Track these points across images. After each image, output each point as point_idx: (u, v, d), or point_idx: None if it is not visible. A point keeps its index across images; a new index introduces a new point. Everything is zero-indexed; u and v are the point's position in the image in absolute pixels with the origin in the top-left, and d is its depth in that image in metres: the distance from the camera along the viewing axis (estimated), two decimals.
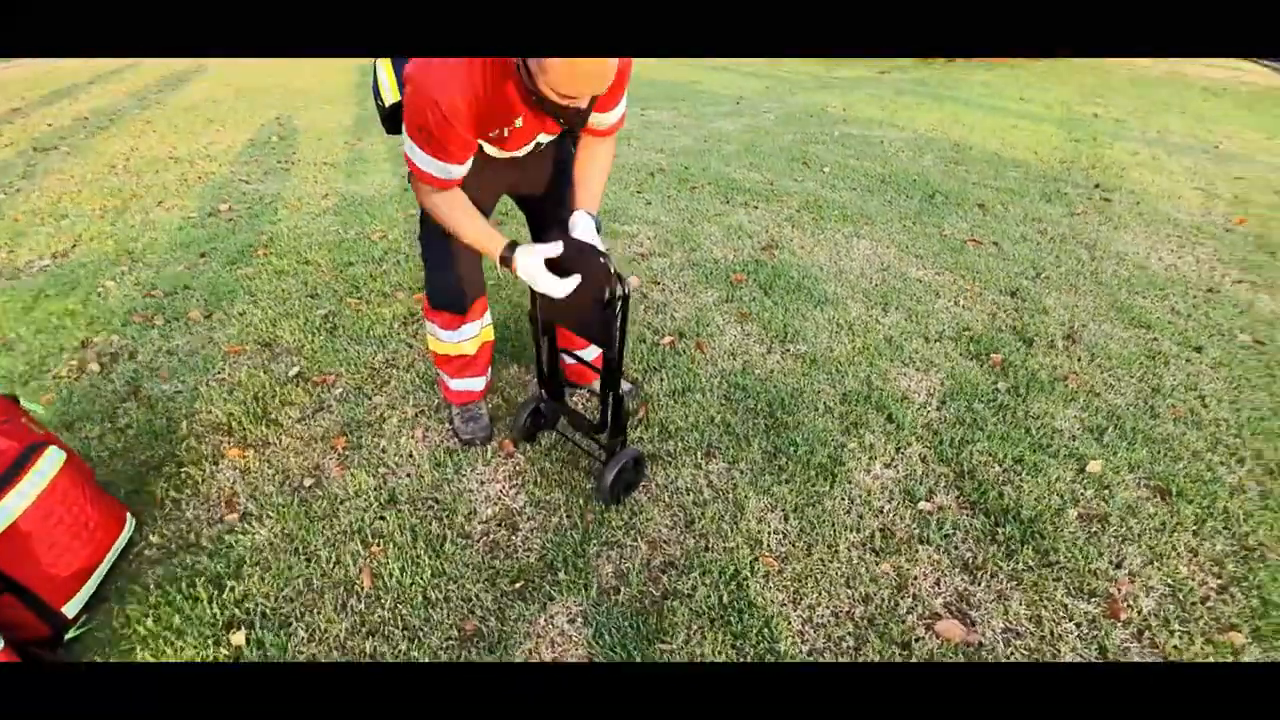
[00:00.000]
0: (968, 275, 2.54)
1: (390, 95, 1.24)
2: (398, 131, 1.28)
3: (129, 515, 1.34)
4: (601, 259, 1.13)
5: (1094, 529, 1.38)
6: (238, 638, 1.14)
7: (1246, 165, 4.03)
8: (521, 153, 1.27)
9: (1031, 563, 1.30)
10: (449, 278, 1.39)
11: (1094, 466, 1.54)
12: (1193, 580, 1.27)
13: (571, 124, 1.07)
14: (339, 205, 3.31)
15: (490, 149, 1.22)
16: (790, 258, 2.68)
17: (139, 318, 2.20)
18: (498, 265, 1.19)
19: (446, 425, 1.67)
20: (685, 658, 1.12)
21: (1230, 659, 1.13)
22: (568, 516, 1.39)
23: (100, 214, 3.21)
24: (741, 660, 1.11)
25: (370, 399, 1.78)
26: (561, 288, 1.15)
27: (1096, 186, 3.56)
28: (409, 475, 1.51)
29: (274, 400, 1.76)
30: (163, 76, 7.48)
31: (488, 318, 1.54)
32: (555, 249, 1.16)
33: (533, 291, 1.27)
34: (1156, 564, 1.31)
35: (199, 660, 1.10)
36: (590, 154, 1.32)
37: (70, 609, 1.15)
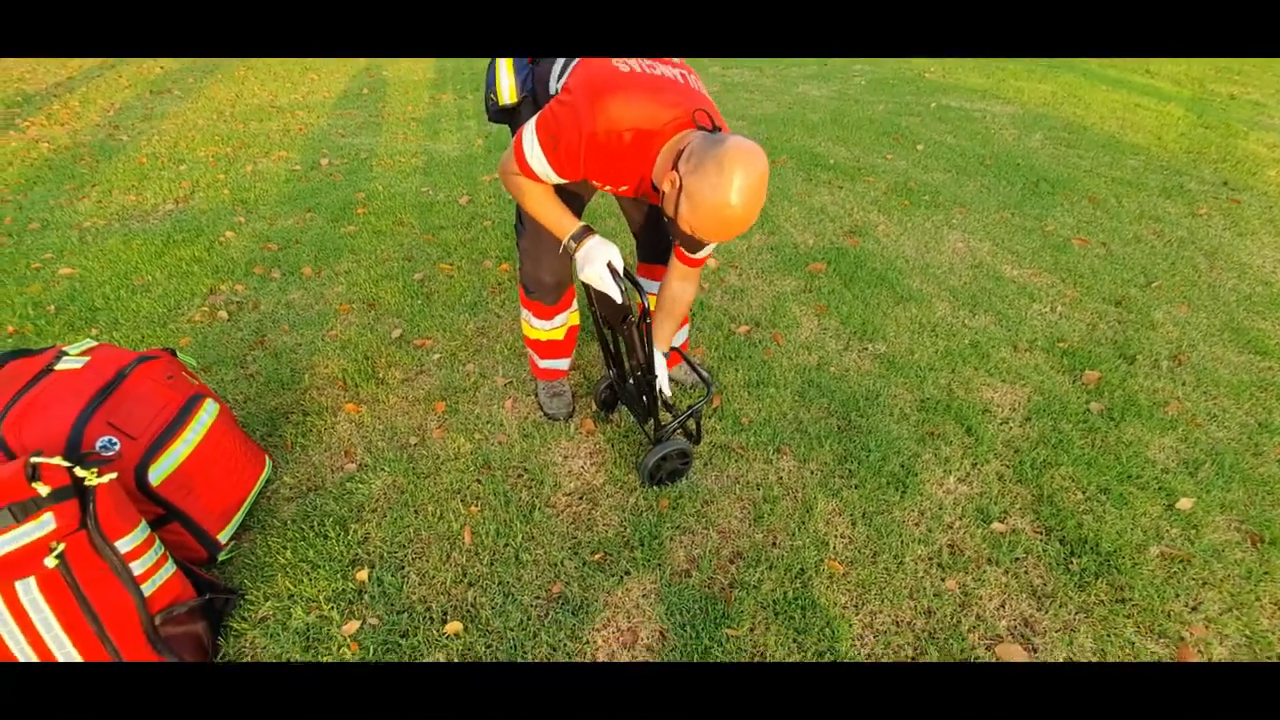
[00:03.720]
0: (1069, 278, 2.41)
1: (508, 96, 1.29)
2: (502, 121, 1.36)
3: (268, 458, 1.53)
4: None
5: (1174, 569, 1.36)
6: (361, 575, 1.31)
7: None
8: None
9: (1104, 597, 1.30)
10: (541, 272, 1.46)
11: (1184, 503, 1.50)
12: (1272, 634, 1.25)
13: (685, 246, 1.12)
14: (427, 165, 3.44)
15: None
16: (874, 247, 2.61)
17: (259, 269, 2.41)
18: (562, 247, 1.23)
19: (532, 398, 1.79)
20: (749, 645, 1.21)
21: None
22: (644, 499, 1.49)
23: (213, 161, 3.47)
24: (802, 655, 1.19)
25: (464, 365, 1.92)
26: (615, 292, 1.21)
27: (1225, 184, 3.22)
28: (500, 443, 1.64)
29: (381, 360, 1.93)
30: None
31: (575, 304, 1.62)
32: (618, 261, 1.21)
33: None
34: (1236, 612, 1.28)
35: (329, 591, 1.28)
36: (675, 293, 1.41)
37: (223, 536, 1.35)
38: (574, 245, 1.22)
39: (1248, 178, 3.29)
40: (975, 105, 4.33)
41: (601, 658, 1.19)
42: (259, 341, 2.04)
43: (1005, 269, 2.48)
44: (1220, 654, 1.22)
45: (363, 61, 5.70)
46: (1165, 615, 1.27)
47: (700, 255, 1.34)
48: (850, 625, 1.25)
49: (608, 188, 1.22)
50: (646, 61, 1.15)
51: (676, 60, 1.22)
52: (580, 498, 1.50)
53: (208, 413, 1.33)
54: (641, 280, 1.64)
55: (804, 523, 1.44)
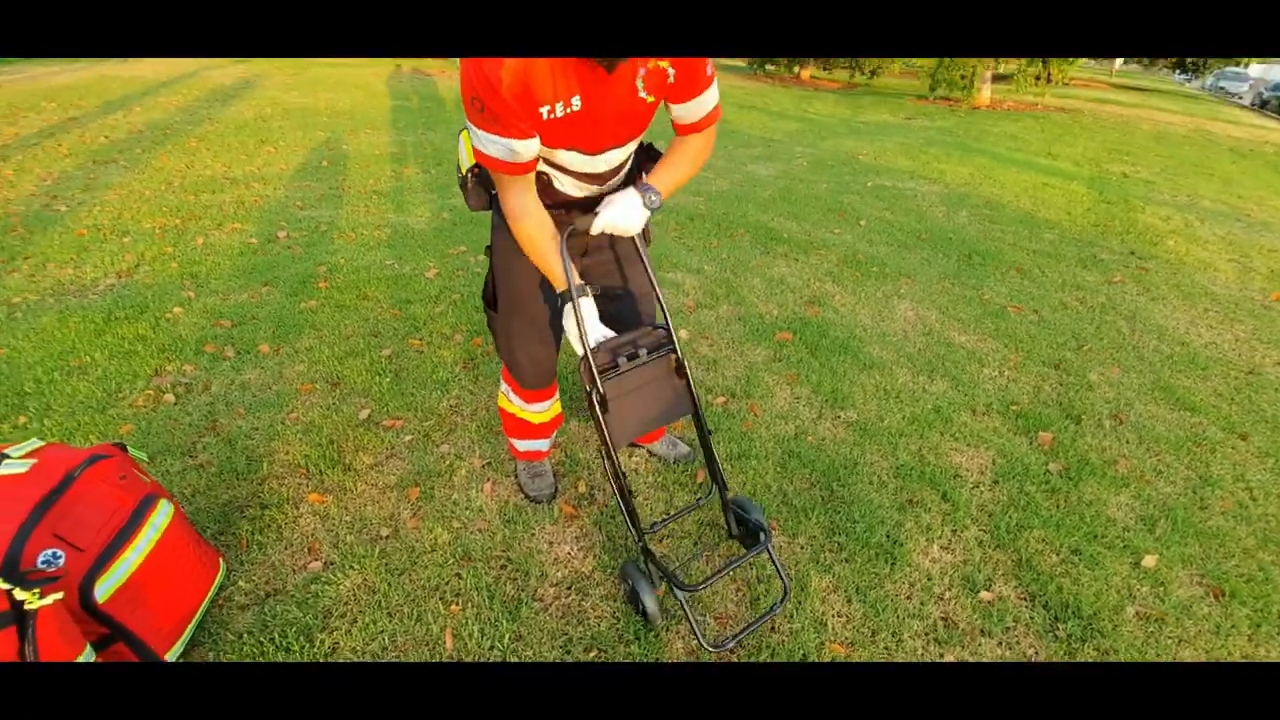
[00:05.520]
0: (1010, 343, 2.59)
1: (466, 162, 1.21)
2: (481, 206, 1.26)
3: (221, 560, 1.40)
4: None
5: (1151, 629, 1.41)
6: None
7: (1279, 236, 4.07)
8: (600, 166, 1.18)
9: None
10: (518, 355, 1.43)
11: (1149, 561, 1.57)
12: None
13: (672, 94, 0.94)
14: (391, 238, 3.42)
15: (560, 177, 1.19)
16: (833, 316, 2.74)
17: (210, 348, 2.29)
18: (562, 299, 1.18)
19: (511, 479, 1.73)
20: None
21: None
22: None
23: (161, 233, 3.34)
24: None
25: (438, 447, 1.84)
26: (576, 344, 1.17)
27: (1132, 254, 3.61)
28: (480, 531, 1.56)
29: (348, 444, 1.83)
30: (211, 91, 7.74)
31: (557, 394, 1.60)
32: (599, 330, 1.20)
33: (606, 442, 1.22)
34: None
35: None
36: (683, 143, 1.22)
37: (171, 656, 1.20)
38: (578, 297, 1.16)
39: (1151, 247, 3.70)
40: (905, 185, 4.75)
41: None
42: (210, 427, 1.90)
43: (954, 335, 2.65)
44: None
45: (322, 135, 5.74)
46: None
47: (698, 114, 1.16)
48: None
49: (574, 103, 1.03)
50: None
51: None
52: (569, 588, 1.43)
53: (162, 515, 1.21)
54: None
55: (800, 603, 1.42)
